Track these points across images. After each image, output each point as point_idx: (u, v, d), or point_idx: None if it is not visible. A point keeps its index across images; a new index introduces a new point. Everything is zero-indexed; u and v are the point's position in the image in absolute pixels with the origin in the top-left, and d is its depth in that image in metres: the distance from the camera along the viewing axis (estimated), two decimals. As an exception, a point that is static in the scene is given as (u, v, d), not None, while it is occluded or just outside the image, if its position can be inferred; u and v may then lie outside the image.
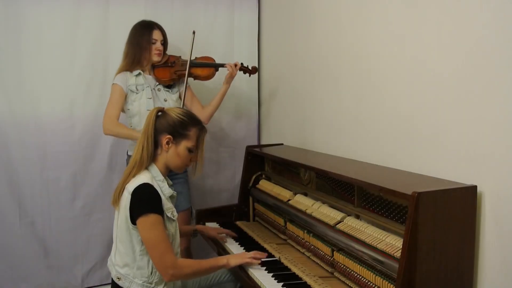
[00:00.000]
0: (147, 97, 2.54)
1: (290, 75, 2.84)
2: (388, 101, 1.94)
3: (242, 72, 2.76)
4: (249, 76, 2.84)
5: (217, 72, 2.72)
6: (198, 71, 2.66)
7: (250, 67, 2.78)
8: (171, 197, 1.82)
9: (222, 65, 2.68)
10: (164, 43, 2.63)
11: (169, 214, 1.76)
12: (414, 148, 1.79)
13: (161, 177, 1.79)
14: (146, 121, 1.80)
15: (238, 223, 2.59)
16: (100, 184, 2.92)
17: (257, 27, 3.26)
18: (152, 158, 1.80)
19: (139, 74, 2.57)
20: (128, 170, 1.77)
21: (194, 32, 2.58)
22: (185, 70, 2.58)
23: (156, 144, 1.80)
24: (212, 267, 1.87)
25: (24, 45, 2.72)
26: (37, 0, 2.71)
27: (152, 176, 1.76)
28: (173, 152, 1.80)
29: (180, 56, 2.67)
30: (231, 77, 2.67)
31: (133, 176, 1.75)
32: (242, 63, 2.75)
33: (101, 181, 2.93)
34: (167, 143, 1.79)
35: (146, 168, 1.78)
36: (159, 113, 1.83)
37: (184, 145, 1.81)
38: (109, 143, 2.91)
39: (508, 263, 1.42)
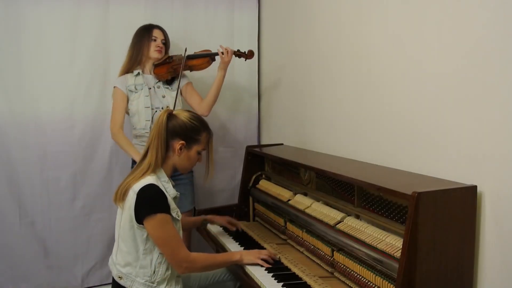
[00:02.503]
0: (144, 95, 2.57)
1: (290, 75, 2.84)
2: (388, 101, 1.94)
3: (237, 57, 2.73)
4: (245, 60, 2.79)
5: (214, 63, 2.72)
6: (194, 61, 2.69)
7: (246, 52, 2.74)
8: (174, 198, 1.83)
9: (217, 54, 2.66)
10: (166, 43, 2.66)
11: (174, 215, 1.78)
12: (414, 148, 1.79)
13: (166, 178, 1.81)
14: (157, 124, 1.80)
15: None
16: (100, 184, 2.92)
17: (257, 27, 3.26)
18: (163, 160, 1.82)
19: (138, 74, 2.60)
20: (140, 172, 1.77)
21: (186, 49, 2.59)
22: (181, 63, 2.60)
23: (167, 147, 1.81)
24: (225, 261, 1.91)
25: (24, 45, 2.72)
26: (37, 0, 2.72)
27: (157, 177, 1.78)
28: (184, 156, 1.84)
29: (180, 54, 2.69)
30: (224, 62, 2.64)
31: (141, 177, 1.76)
32: (238, 50, 2.72)
33: (101, 181, 2.93)
34: (180, 148, 1.81)
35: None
36: (169, 116, 1.84)
37: (196, 149, 1.85)
38: (109, 143, 2.91)
39: (508, 263, 1.42)
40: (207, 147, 1.90)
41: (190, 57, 2.68)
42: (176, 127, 1.81)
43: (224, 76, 2.68)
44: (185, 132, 1.82)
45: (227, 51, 2.61)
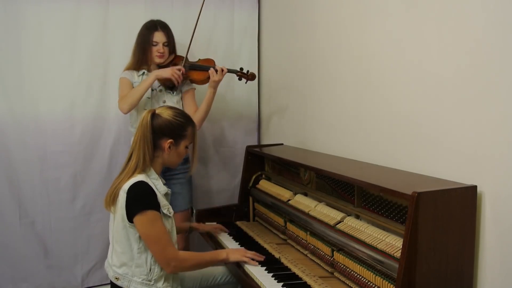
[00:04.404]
0: (146, 96, 2.56)
1: (290, 75, 2.84)
2: (388, 101, 1.94)
3: (237, 78, 2.69)
4: (246, 82, 2.73)
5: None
6: (194, 74, 2.63)
7: (248, 73, 2.69)
8: (165, 194, 1.84)
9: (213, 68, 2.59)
10: (169, 44, 2.60)
11: (165, 211, 1.78)
12: (414, 148, 1.79)
13: (156, 176, 1.82)
14: (141, 125, 1.78)
15: (238, 223, 2.59)
16: (100, 184, 2.92)
17: (257, 27, 3.26)
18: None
19: (143, 73, 2.59)
20: (127, 175, 1.76)
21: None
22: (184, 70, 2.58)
23: (155, 147, 1.80)
24: (213, 260, 1.91)
25: (24, 45, 2.72)
26: (37, 0, 2.71)
27: (146, 175, 1.78)
28: (174, 153, 1.85)
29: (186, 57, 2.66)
30: (214, 81, 2.56)
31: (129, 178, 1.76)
32: (241, 68, 2.70)
33: (101, 181, 2.92)
34: (169, 147, 1.81)
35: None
36: (152, 116, 1.82)
37: (184, 144, 1.86)
38: (109, 143, 2.92)
39: (508, 263, 1.42)
40: (193, 140, 1.91)
41: (192, 67, 2.63)
42: (162, 126, 1.80)
43: (214, 94, 2.59)
44: (172, 130, 1.81)
45: (222, 70, 2.55)
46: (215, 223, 2.49)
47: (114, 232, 1.79)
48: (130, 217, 1.71)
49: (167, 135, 1.81)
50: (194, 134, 1.90)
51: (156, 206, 1.73)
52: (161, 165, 1.85)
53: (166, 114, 1.83)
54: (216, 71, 2.54)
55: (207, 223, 2.49)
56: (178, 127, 1.83)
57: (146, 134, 1.77)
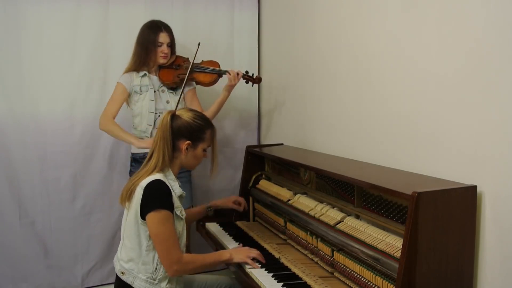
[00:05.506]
0: (149, 99, 2.57)
1: (290, 75, 2.84)
2: (388, 101, 1.94)
3: (244, 81, 2.75)
4: (252, 85, 2.83)
5: (220, 79, 2.71)
6: (201, 76, 2.66)
7: (254, 76, 2.76)
8: (180, 197, 1.85)
9: (225, 72, 2.65)
10: (171, 45, 2.64)
11: (178, 213, 1.79)
12: (414, 148, 1.79)
13: (173, 177, 1.84)
14: (161, 126, 1.81)
15: (238, 223, 2.59)
16: (100, 184, 2.93)
17: (257, 27, 3.26)
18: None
19: (145, 75, 2.60)
20: (146, 173, 1.78)
21: (199, 44, 2.57)
22: (187, 72, 2.58)
23: (174, 148, 1.82)
24: (216, 261, 1.91)
25: (24, 45, 2.73)
26: (37, 0, 2.72)
27: (164, 175, 1.80)
28: (191, 155, 1.87)
29: (187, 58, 2.66)
30: (231, 85, 2.64)
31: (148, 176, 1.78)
32: (246, 72, 2.74)
33: (101, 181, 2.93)
34: (187, 148, 1.83)
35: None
36: (172, 117, 1.84)
37: (201, 147, 1.88)
38: (109, 143, 2.92)
39: (508, 263, 1.42)
40: (212, 143, 1.92)
41: (198, 69, 2.65)
42: (181, 127, 1.83)
43: (227, 97, 2.68)
44: (190, 132, 1.84)
45: (238, 74, 2.62)
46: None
47: (125, 226, 1.80)
48: (143, 214, 1.72)
49: (185, 137, 1.83)
50: (213, 138, 1.92)
51: (170, 206, 1.74)
52: (179, 166, 1.87)
53: (186, 116, 1.86)
54: (229, 73, 2.60)
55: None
56: (197, 129, 1.85)
57: (166, 135, 1.79)
